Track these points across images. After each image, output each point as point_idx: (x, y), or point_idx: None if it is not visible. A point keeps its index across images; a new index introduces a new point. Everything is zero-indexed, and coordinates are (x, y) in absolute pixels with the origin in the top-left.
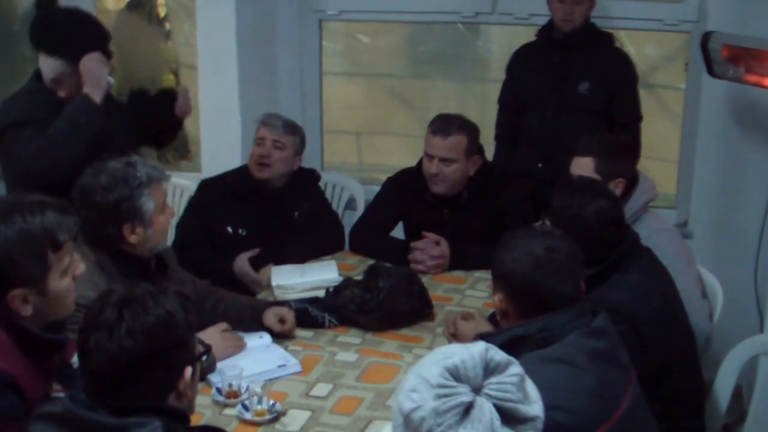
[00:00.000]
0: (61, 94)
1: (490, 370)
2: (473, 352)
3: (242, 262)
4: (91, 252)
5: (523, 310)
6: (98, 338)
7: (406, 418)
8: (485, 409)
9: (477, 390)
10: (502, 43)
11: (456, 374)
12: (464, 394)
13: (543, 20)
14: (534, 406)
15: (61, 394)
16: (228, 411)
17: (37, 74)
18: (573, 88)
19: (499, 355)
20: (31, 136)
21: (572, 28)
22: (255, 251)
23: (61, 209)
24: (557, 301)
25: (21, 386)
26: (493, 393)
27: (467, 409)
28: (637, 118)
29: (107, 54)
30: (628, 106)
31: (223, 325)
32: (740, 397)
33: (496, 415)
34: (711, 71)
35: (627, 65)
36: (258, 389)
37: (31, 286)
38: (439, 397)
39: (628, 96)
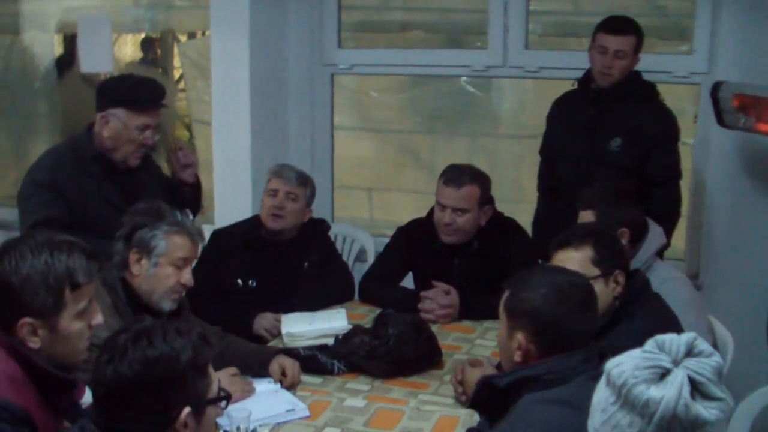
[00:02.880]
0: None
1: (693, 353)
2: (681, 336)
3: (266, 321)
4: (108, 295)
5: (547, 347)
6: (100, 362)
7: (608, 375)
8: (679, 376)
9: (676, 363)
10: (512, 99)
11: (661, 345)
12: (664, 360)
13: (553, 73)
14: (726, 393)
15: None
16: None
17: (90, 126)
18: (604, 143)
19: (704, 345)
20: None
21: (610, 83)
22: (278, 316)
23: (88, 253)
24: (580, 337)
25: (33, 421)
26: (690, 366)
27: (663, 375)
28: (674, 176)
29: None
30: (663, 164)
31: (233, 370)
32: None
33: (687, 383)
34: (721, 121)
35: (665, 121)
36: None
37: (42, 318)
38: (640, 357)
39: (662, 153)
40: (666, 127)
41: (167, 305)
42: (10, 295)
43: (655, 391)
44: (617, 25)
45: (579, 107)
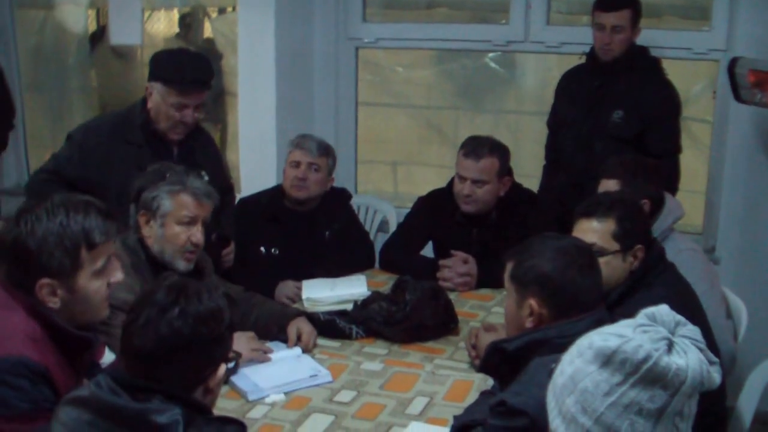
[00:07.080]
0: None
1: (680, 323)
2: (661, 307)
3: (288, 289)
4: (126, 255)
5: (560, 310)
6: (150, 315)
7: (613, 354)
8: (687, 341)
9: (673, 334)
10: (536, 76)
11: (653, 318)
12: (664, 332)
13: (574, 48)
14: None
15: None
16: (252, 414)
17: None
18: (606, 115)
19: (679, 315)
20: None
21: (611, 57)
22: (299, 284)
23: (104, 213)
24: (589, 298)
25: (53, 379)
26: (687, 335)
27: (669, 346)
28: (673, 150)
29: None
30: (663, 138)
31: (250, 334)
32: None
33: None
34: (738, 96)
35: (667, 95)
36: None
37: (60, 278)
38: (645, 332)
39: (663, 127)
40: (667, 101)
41: (181, 265)
42: (27, 257)
43: (679, 360)
44: (611, 0)
45: (584, 80)
